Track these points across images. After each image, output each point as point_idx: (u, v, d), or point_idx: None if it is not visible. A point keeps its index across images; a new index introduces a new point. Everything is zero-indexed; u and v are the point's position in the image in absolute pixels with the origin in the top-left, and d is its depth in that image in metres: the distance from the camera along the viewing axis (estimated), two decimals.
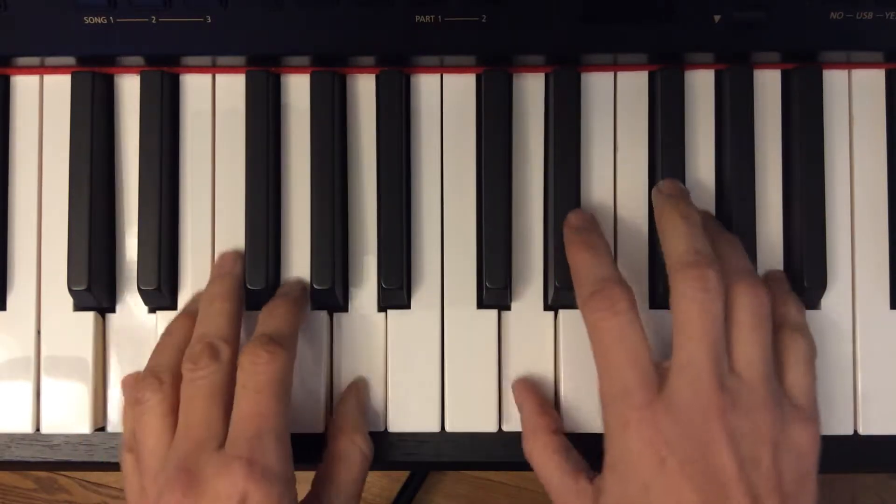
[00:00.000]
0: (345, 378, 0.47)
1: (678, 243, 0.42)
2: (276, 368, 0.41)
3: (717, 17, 0.45)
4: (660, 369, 0.40)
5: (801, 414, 0.40)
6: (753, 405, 0.39)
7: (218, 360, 0.42)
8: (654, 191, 0.45)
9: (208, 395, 0.41)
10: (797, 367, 0.42)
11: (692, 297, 0.40)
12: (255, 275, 0.45)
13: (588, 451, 0.43)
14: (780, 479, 0.38)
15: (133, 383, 0.45)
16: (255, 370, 0.41)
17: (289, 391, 0.42)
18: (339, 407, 0.46)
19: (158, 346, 0.44)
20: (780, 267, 0.46)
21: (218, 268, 0.46)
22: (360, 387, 0.46)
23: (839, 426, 0.46)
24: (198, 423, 0.40)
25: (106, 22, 0.45)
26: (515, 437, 0.45)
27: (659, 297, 0.46)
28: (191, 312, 0.45)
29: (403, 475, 0.82)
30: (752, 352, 0.40)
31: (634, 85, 0.47)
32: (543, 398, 0.45)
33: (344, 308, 0.47)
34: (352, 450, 0.44)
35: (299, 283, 0.46)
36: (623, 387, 0.40)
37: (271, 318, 0.43)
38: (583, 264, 0.43)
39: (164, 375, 0.42)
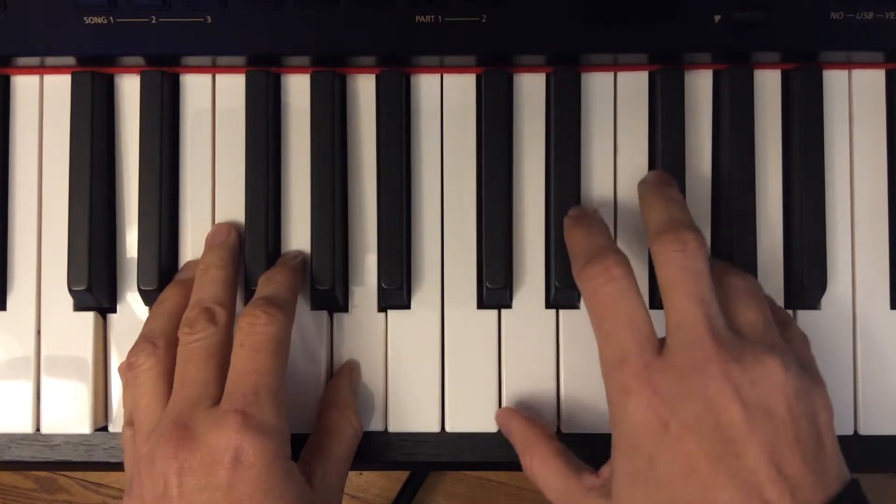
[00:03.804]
0: None
1: (655, 215, 0.41)
2: (275, 329, 0.41)
3: (717, 17, 0.45)
4: (661, 341, 0.39)
5: (809, 373, 0.38)
6: (760, 356, 0.37)
7: (215, 324, 0.42)
8: (639, 183, 0.45)
9: (204, 356, 0.41)
10: (798, 341, 0.41)
11: (670, 258, 0.39)
12: (255, 274, 0.45)
13: (589, 451, 0.43)
14: (799, 430, 0.36)
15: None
16: (253, 330, 0.41)
17: (286, 352, 0.42)
18: (331, 383, 0.46)
19: (152, 313, 0.45)
20: (780, 267, 0.46)
21: (211, 238, 0.46)
22: (352, 367, 0.46)
23: (839, 426, 0.45)
24: (193, 383, 0.41)
25: (106, 22, 0.45)
26: None
27: (659, 297, 0.46)
28: (183, 281, 0.45)
29: (403, 475, 0.82)
30: (751, 315, 0.39)
31: (634, 85, 0.47)
32: (528, 415, 0.45)
33: (344, 308, 0.47)
34: (344, 424, 0.44)
35: (298, 254, 0.46)
36: (621, 353, 0.38)
37: (270, 283, 0.44)
38: (577, 240, 0.43)
39: (158, 340, 0.43)
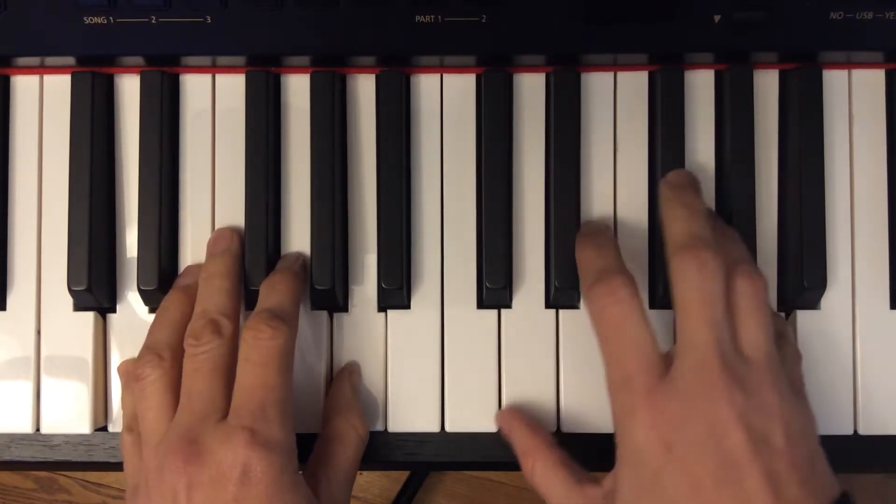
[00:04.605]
0: None
1: (676, 228, 0.41)
2: (279, 343, 0.41)
3: (717, 17, 0.45)
4: (666, 358, 0.39)
5: (800, 395, 0.40)
6: (761, 383, 0.38)
7: (220, 336, 0.42)
8: (661, 182, 0.45)
9: (211, 369, 0.41)
10: (792, 360, 0.42)
11: (689, 277, 0.39)
12: (254, 275, 0.45)
13: (589, 450, 0.43)
14: (795, 458, 0.37)
15: (131, 365, 0.45)
16: (259, 344, 0.41)
17: (291, 365, 0.42)
18: (333, 388, 0.46)
19: (155, 322, 0.45)
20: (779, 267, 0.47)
21: (213, 245, 0.46)
22: (352, 369, 0.46)
23: (839, 426, 0.46)
24: (200, 397, 0.41)
25: (106, 22, 0.45)
26: None
27: (659, 297, 0.46)
28: (185, 288, 0.45)
29: (403, 475, 0.82)
30: (756, 334, 0.39)
31: (634, 85, 0.47)
32: (531, 419, 0.45)
33: (344, 308, 0.47)
34: (348, 430, 0.44)
35: (299, 256, 0.46)
36: (625, 374, 0.39)
37: (272, 293, 0.44)
38: (587, 259, 0.43)
39: (163, 352, 0.43)
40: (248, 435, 0.39)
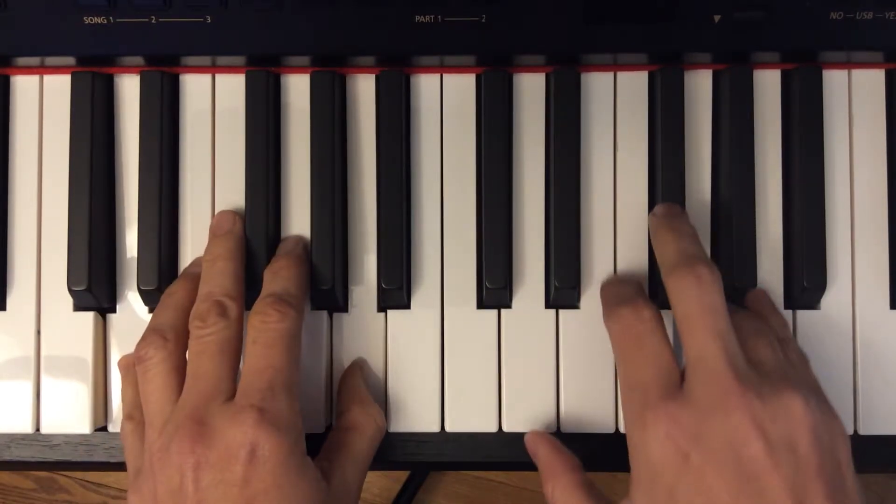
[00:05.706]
0: None
1: (668, 250, 0.42)
2: (287, 326, 0.41)
3: (717, 17, 0.45)
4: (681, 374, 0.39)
5: (825, 403, 0.39)
6: (779, 388, 0.37)
7: (226, 318, 0.42)
8: (649, 216, 0.46)
9: (217, 351, 0.41)
10: (800, 365, 0.42)
11: (687, 293, 0.39)
12: (256, 274, 0.45)
13: (588, 451, 0.43)
14: (821, 464, 0.36)
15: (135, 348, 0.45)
16: (266, 328, 0.41)
17: (299, 348, 0.42)
18: (346, 382, 0.46)
19: (160, 306, 0.44)
20: (780, 267, 0.46)
21: (216, 228, 0.46)
22: (361, 364, 0.46)
23: None
24: (207, 378, 0.41)
25: (106, 22, 0.45)
26: (515, 438, 0.45)
27: (659, 298, 0.46)
28: (191, 275, 0.45)
29: (403, 475, 0.82)
30: (764, 347, 0.39)
31: (634, 85, 0.47)
32: (556, 440, 0.44)
33: (344, 308, 0.47)
34: (367, 420, 0.44)
35: (299, 240, 0.46)
36: (642, 385, 0.39)
37: (277, 278, 0.44)
38: (609, 290, 0.44)
39: (167, 333, 0.43)
40: (256, 414, 0.38)
